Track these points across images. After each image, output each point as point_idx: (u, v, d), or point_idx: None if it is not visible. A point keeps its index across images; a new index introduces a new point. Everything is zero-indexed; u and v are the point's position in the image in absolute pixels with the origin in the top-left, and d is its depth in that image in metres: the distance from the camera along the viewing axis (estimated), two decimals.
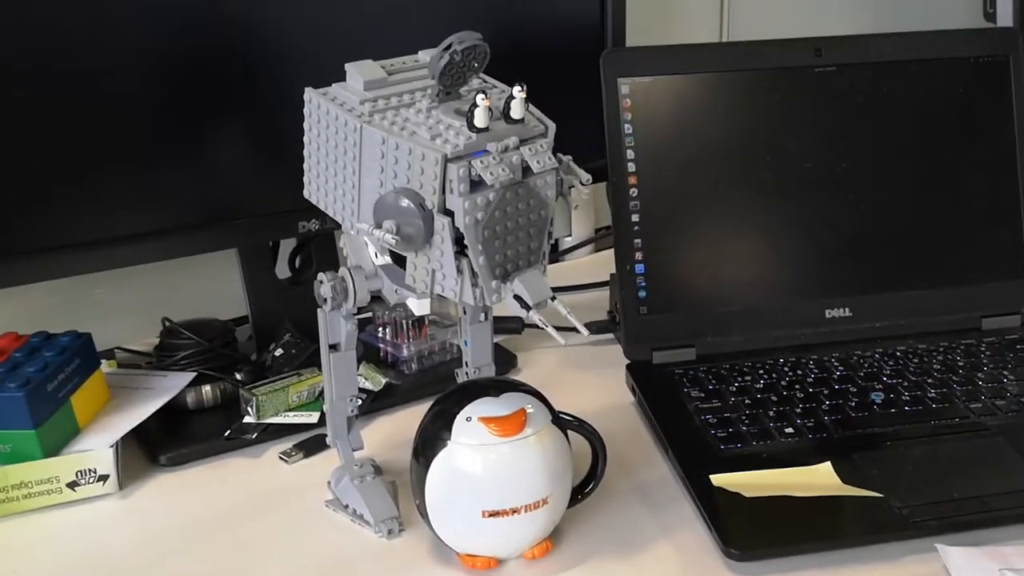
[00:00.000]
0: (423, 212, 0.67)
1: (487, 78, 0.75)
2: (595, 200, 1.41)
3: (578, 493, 0.79)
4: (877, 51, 1.01)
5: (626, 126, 0.97)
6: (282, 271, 1.06)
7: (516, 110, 0.68)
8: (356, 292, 0.75)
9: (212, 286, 1.10)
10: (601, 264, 0.99)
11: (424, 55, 0.75)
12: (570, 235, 1.41)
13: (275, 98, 0.94)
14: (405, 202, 0.67)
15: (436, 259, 0.68)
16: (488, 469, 0.71)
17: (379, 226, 0.67)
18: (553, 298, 0.69)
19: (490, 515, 0.71)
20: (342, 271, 0.76)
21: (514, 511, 0.71)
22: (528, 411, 0.72)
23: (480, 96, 0.66)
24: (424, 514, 0.74)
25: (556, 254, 1.43)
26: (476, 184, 0.66)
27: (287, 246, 1.07)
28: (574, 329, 1.09)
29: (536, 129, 0.70)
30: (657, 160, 0.98)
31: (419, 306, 0.75)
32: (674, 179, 0.99)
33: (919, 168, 1.02)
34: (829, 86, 1.00)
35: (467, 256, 0.67)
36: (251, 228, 0.97)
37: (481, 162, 0.66)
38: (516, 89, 0.68)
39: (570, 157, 0.73)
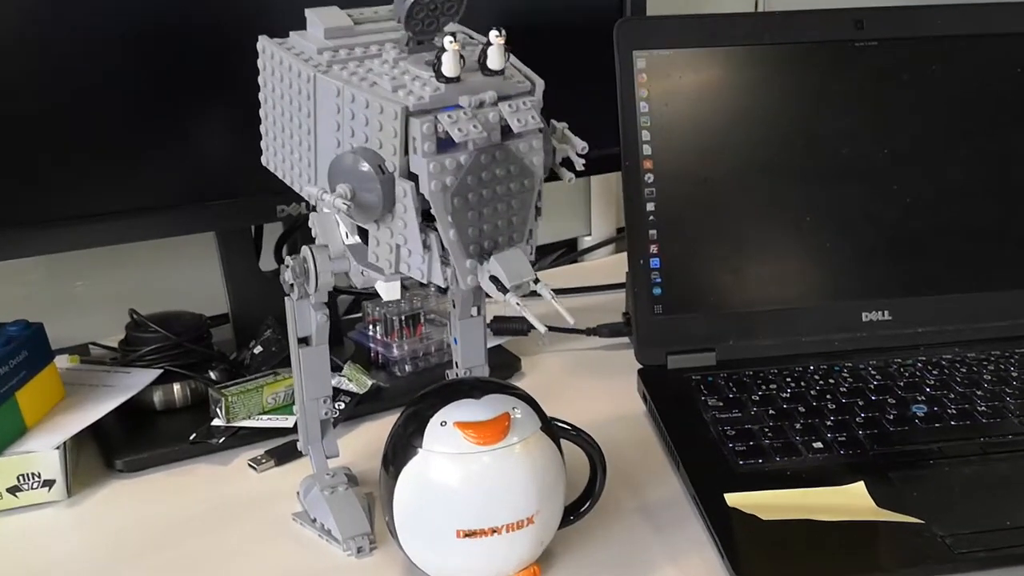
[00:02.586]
0: (383, 176, 0.58)
1: (465, 29, 0.66)
2: (617, 197, 1.33)
3: (572, 512, 0.71)
4: (925, 24, 0.93)
5: (641, 104, 0.90)
6: (268, 264, 0.99)
7: (494, 59, 0.60)
8: (318, 274, 0.67)
9: (201, 281, 1.04)
10: (624, 265, 0.93)
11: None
12: (590, 234, 1.35)
13: (253, 72, 0.87)
14: (363, 164, 0.59)
15: (400, 231, 0.60)
16: (464, 482, 0.63)
17: (332, 191, 0.59)
18: (536, 280, 0.61)
19: (466, 535, 0.63)
20: (304, 250, 0.68)
21: (494, 531, 0.63)
22: (513, 416, 0.64)
23: (448, 39, 0.57)
24: (393, 531, 0.66)
25: (575, 254, 1.36)
26: (445, 144, 0.58)
27: (272, 236, 0.99)
28: (576, 331, 1.03)
29: (521, 86, 0.62)
30: (675, 143, 0.91)
31: (388, 290, 0.67)
32: (694, 165, 0.91)
33: (970, 156, 0.94)
34: (871, 63, 0.92)
35: (435, 229, 0.59)
36: (226, 211, 0.90)
37: (450, 117, 0.58)
38: (493, 34, 0.59)
39: (565, 124, 0.65)
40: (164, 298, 0.97)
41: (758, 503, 0.71)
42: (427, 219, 0.59)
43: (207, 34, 0.85)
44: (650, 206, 0.90)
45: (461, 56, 0.58)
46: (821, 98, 0.92)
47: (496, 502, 0.63)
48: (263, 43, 0.67)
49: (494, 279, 0.60)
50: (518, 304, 0.60)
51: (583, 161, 0.65)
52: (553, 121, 0.64)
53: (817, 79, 0.92)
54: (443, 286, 0.61)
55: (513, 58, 0.63)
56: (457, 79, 0.59)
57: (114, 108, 0.84)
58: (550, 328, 1.03)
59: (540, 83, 0.62)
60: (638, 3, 1.00)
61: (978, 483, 0.74)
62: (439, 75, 0.58)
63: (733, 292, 0.92)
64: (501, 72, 0.60)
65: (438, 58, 0.58)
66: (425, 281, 0.61)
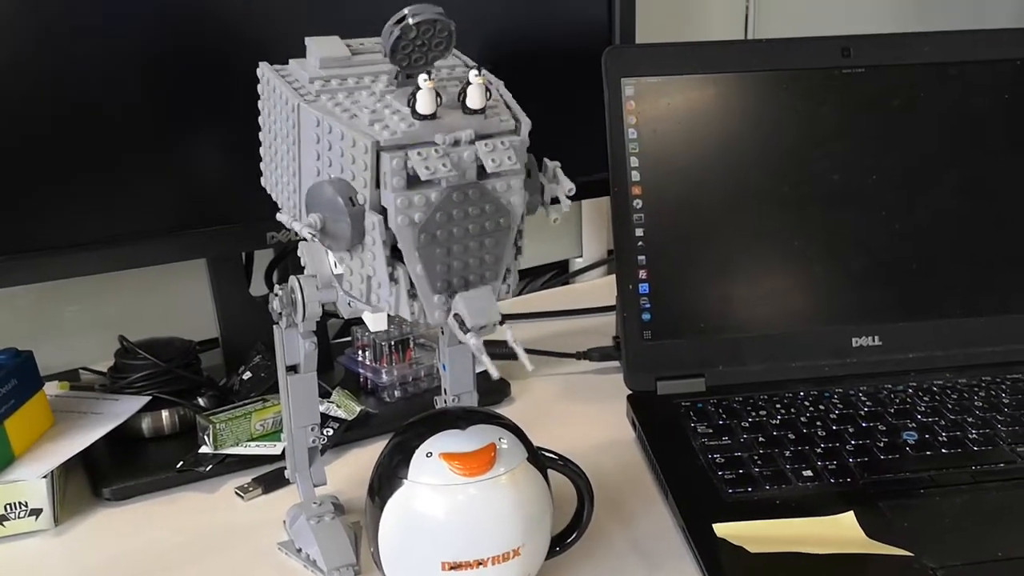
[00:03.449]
0: (352, 207, 0.58)
1: (462, 58, 0.66)
2: (608, 220, 1.33)
3: (559, 543, 0.70)
4: (911, 51, 0.92)
5: (630, 131, 0.90)
6: (259, 289, 0.98)
7: (473, 98, 0.59)
8: (306, 304, 0.67)
9: (191, 306, 1.04)
10: (615, 287, 0.93)
11: None
12: (581, 256, 1.35)
13: (246, 98, 0.86)
14: (335, 195, 0.59)
15: (369, 263, 0.60)
16: (450, 513, 0.62)
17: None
18: (502, 322, 0.60)
19: (451, 567, 0.62)
20: (291, 280, 0.68)
21: (479, 563, 0.63)
22: (499, 446, 0.64)
23: (423, 77, 0.57)
24: (378, 562, 0.65)
25: (567, 276, 1.35)
26: (415, 180, 0.58)
27: (263, 262, 0.99)
28: (566, 355, 1.02)
29: (504, 124, 0.61)
30: (664, 169, 0.90)
31: (375, 321, 0.66)
32: (683, 190, 0.91)
33: (959, 181, 0.93)
34: (858, 90, 0.92)
35: (403, 263, 0.59)
36: (217, 237, 0.89)
37: (419, 154, 0.57)
38: (472, 73, 0.59)
39: (557, 164, 0.64)
40: (154, 324, 0.97)
41: (747, 534, 0.70)
42: (396, 251, 0.59)
43: (200, 62, 0.85)
44: (639, 231, 0.89)
45: (438, 94, 0.58)
46: (809, 124, 0.91)
47: (482, 534, 0.62)
48: (263, 69, 0.67)
49: (458, 317, 0.59)
50: (475, 347, 0.59)
51: (569, 203, 0.64)
52: (546, 160, 0.64)
53: (805, 105, 0.91)
54: (409, 320, 0.61)
55: (506, 94, 0.63)
56: (433, 116, 0.58)
57: (104, 135, 0.83)
58: (540, 352, 1.03)
59: (526, 123, 0.62)
60: (627, 31, 0.99)
61: (969, 513, 0.73)
62: (414, 112, 0.58)
63: (723, 318, 0.91)
64: (481, 111, 0.60)
65: (413, 95, 0.58)
66: (393, 314, 0.61)
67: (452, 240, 0.59)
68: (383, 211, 0.58)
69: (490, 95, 0.60)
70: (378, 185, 0.58)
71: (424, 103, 0.58)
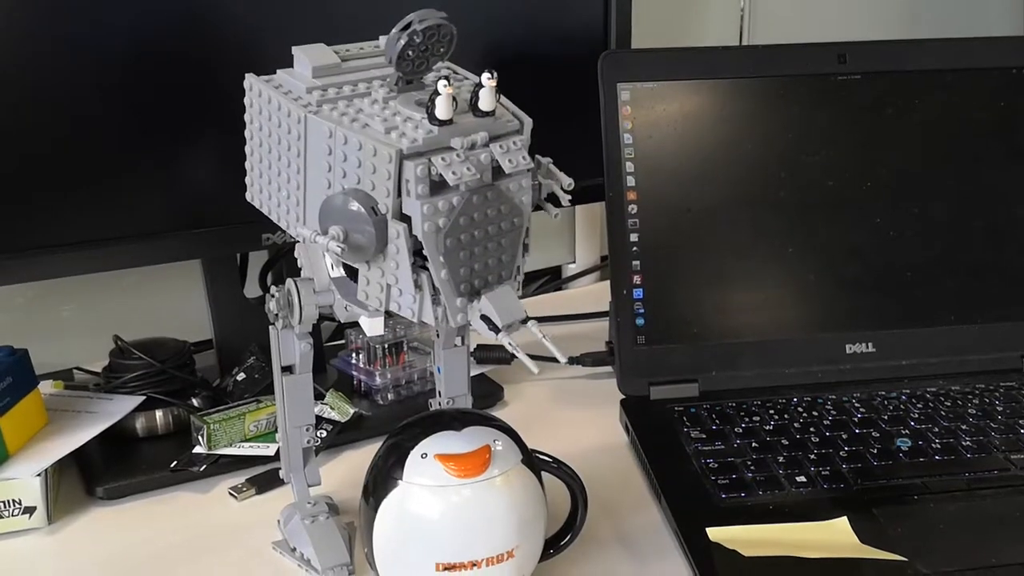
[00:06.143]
0: (375, 217, 0.58)
1: (453, 66, 0.66)
2: (601, 225, 1.33)
3: (552, 545, 0.70)
4: (907, 58, 0.92)
5: (625, 136, 0.89)
6: (253, 291, 0.98)
7: (485, 100, 0.60)
8: (302, 307, 0.67)
9: (185, 307, 1.04)
10: (608, 293, 0.93)
11: (384, 40, 0.67)
12: (574, 262, 1.35)
13: (238, 103, 0.86)
14: (355, 205, 0.58)
15: (391, 272, 0.60)
16: (444, 514, 0.62)
17: (325, 232, 0.59)
18: (526, 320, 0.60)
19: (446, 568, 0.62)
20: (288, 283, 0.68)
21: (474, 564, 0.63)
22: (494, 448, 0.64)
23: (443, 83, 0.57)
24: (372, 563, 0.65)
25: (559, 281, 1.35)
26: (436, 186, 0.58)
27: (257, 264, 0.99)
28: (555, 359, 1.02)
29: (510, 125, 0.61)
30: (659, 174, 0.90)
31: (371, 325, 0.66)
32: (678, 196, 0.91)
33: (954, 189, 0.93)
34: (854, 96, 0.92)
35: (427, 269, 0.59)
36: (212, 239, 0.89)
37: (443, 160, 0.57)
38: (485, 76, 0.59)
39: (550, 159, 0.65)
40: (149, 324, 0.97)
41: (741, 538, 0.70)
42: (417, 258, 0.59)
43: (194, 66, 0.85)
44: (633, 237, 0.89)
45: (453, 98, 0.58)
46: (804, 131, 0.91)
47: (476, 535, 0.62)
48: (251, 81, 0.66)
49: (485, 318, 0.59)
50: (510, 344, 0.59)
51: (569, 197, 0.65)
52: (538, 156, 0.64)
53: (800, 112, 0.91)
54: (433, 325, 0.61)
55: (503, 97, 0.63)
56: (450, 121, 0.58)
57: (101, 137, 0.83)
58: (533, 357, 1.03)
59: (528, 122, 0.62)
60: (622, 36, 0.99)
61: (963, 520, 0.73)
62: (432, 118, 0.58)
63: (716, 323, 0.91)
64: (492, 113, 0.60)
65: (431, 101, 0.58)
66: (415, 320, 0.61)
67: (474, 243, 0.59)
68: (405, 219, 0.58)
69: (499, 96, 0.60)
70: (399, 194, 0.58)
71: (442, 109, 0.58)
